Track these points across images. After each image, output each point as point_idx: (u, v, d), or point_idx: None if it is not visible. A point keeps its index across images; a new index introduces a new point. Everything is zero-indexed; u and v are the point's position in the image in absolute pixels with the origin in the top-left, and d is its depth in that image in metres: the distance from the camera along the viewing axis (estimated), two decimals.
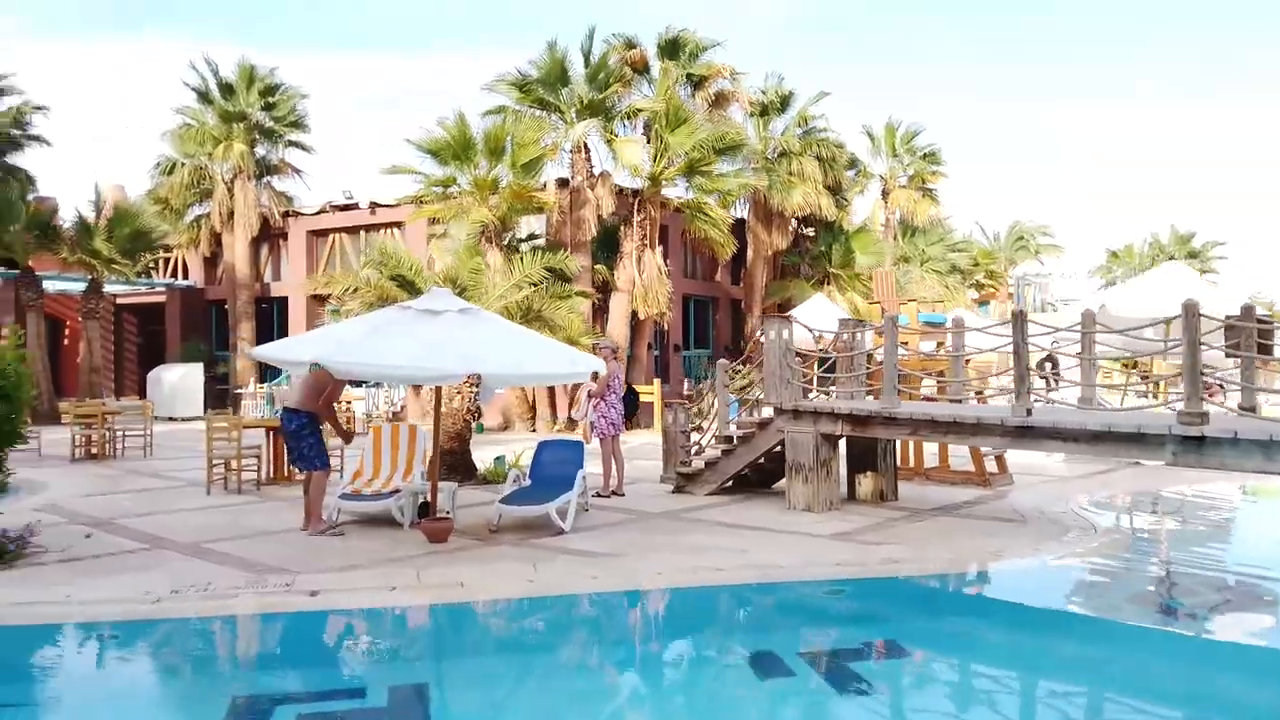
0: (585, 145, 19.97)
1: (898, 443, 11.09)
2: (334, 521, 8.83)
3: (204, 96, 25.39)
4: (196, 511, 9.94)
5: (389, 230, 25.36)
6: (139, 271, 24.19)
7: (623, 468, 11.19)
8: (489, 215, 16.71)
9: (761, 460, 10.72)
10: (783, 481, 11.20)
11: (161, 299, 28.97)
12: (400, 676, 5.79)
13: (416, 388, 21.16)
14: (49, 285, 24.13)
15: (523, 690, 5.60)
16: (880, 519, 9.34)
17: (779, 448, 10.26)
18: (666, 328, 22.77)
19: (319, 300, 26.83)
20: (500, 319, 9.07)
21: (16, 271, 22.79)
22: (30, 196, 24.48)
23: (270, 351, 8.66)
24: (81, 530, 8.66)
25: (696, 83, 22.33)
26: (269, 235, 27.05)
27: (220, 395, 26.39)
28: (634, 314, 20.96)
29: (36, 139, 35.23)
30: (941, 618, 7.04)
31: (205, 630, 6.26)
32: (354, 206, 25.51)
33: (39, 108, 34.43)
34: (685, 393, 21.51)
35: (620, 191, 20.74)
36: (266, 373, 27.38)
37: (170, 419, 23.68)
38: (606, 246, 21.19)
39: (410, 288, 11.55)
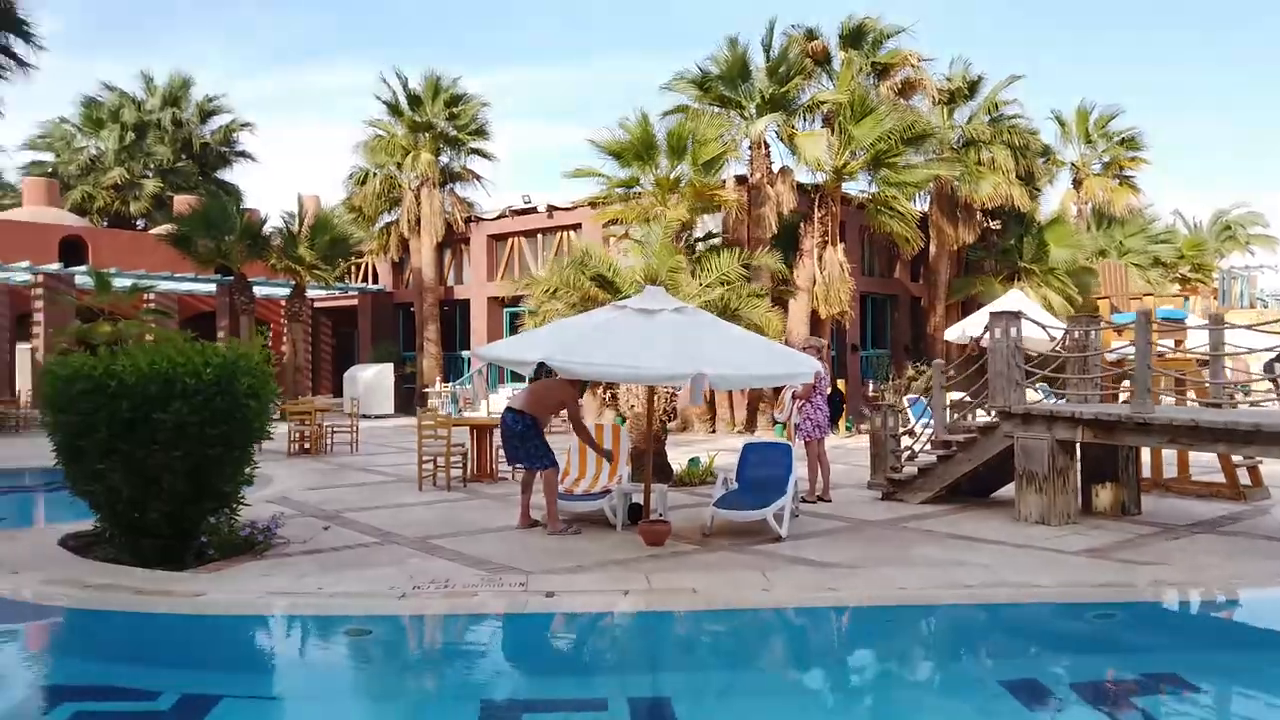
0: (765, 141, 19.57)
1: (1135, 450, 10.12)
2: (570, 522, 8.80)
3: (393, 109, 26.60)
4: (415, 507, 10.24)
5: (565, 233, 25.80)
6: (337, 276, 25.59)
7: (828, 472, 10.75)
8: (683, 214, 16.60)
9: (979, 467, 10.03)
10: (1004, 491, 10.49)
11: (354, 302, 30.63)
12: (642, 688, 5.63)
13: (595, 386, 21.34)
14: (256, 290, 25.95)
15: (769, 709, 5.31)
16: (1130, 535, 8.50)
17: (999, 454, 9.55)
18: (848, 326, 22.02)
19: (499, 302, 27.68)
20: (716, 318, 8.85)
21: (231, 277, 24.60)
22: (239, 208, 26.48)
23: (496, 351, 8.77)
24: (317, 523, 9.04)
25: (880, 71, 21.49)
26: (452, 240, 28.08)
27: (408, 394, 27.59)
28: (813, 313, 20.38)
29: (243, 155, 38.39)
30: (1231, 650, 6.25)
31: (449, 628, 6.32)
32: (532, 210, 26.10)
33: (245, 124, 37.59)
34: (870, 394, 20.75)
35: (800, 187, 20.22)
36: (450, 372, 28.49)
37: (364, 416, 24.97)
38: (784, 244, 20.70)
39: (610, 287, 11.53)
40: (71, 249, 27.19)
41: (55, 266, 23.29)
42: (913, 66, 21.71)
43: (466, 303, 28.52)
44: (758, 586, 6.70)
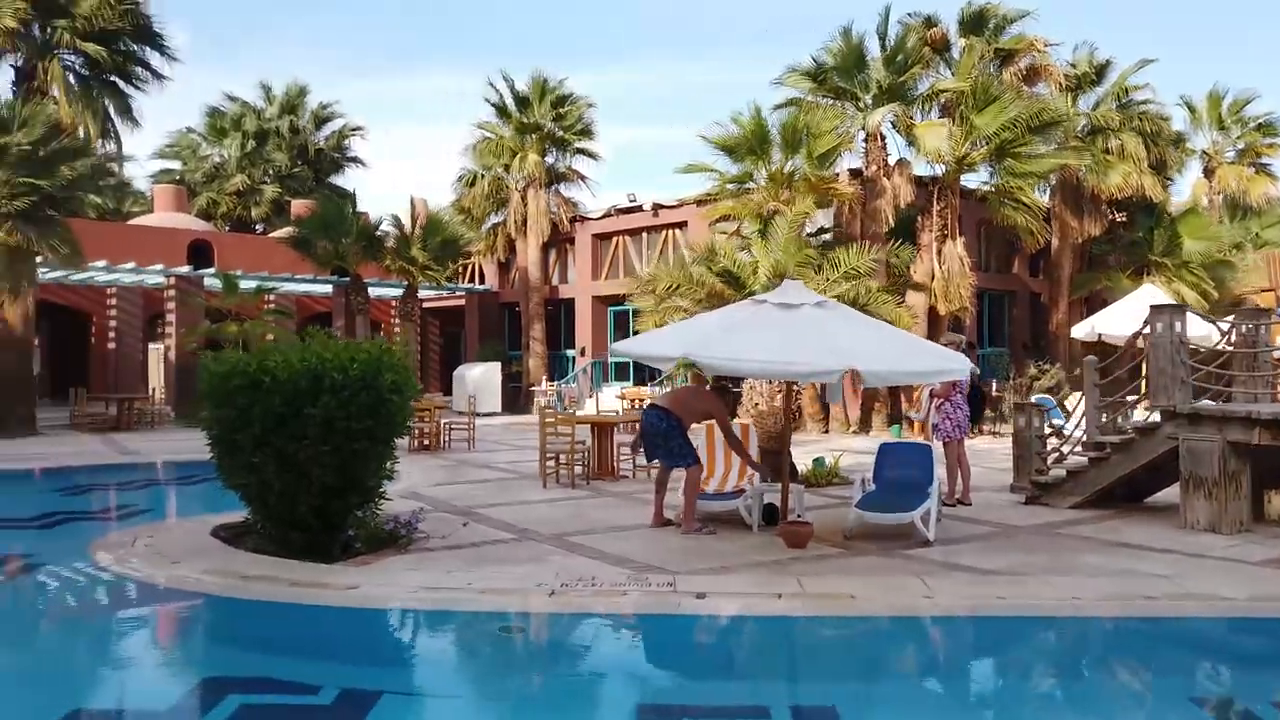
0: (880, 133, 19.02)
1: None
2: (705, 522, 8.64)
3: (501, 110, 26.95)
4: (541, 503, 10.22)
5: (671, 231, 25.68)
6: (448, 277, 26.04)
7: (968, 475, 10.28)
8: (810, 207, 16.23)
9: (1136, 470, 9.42)
10: (1161, 495, 9.85)
11: (460, 302, 31.17)
12: (805, 696, 5.40)
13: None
14: (370, 290, 26.66)
15: None
16: None
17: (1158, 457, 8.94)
18: (967, 323, 21.22)
19: (603, 301, 27.76)
20: (857, 313, 8.53)
21: (346, 279, 25.30)
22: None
23: (631, 348, 8.65)
24: (451, 517, 9.09)
25: (1003, 58, 20.65)
26: (557, 240, 28.31)
27: (513, 393, 27.91)
28: (930, 309, 19.70)
29: (354, 160, 39.56)
30: None
31: (601, 627, 6.20)
32: (637, 209, 26.07)
33: (356, 128, 38.73)
34: (994, 393, 19.95)
35: (918, 180, 19.57)
36: (555, 371, 28.71)
37: (474, 414, 25.36)
38: (900, 238, 20.09)
39: (736, 283, 11.30)
40: (199, 252, 28.44)
41: (186, 269, 24.37)
42: (1037, 52, 20.79)
43: (571, 302, 28.70)
44: (919, 593, 6.37)
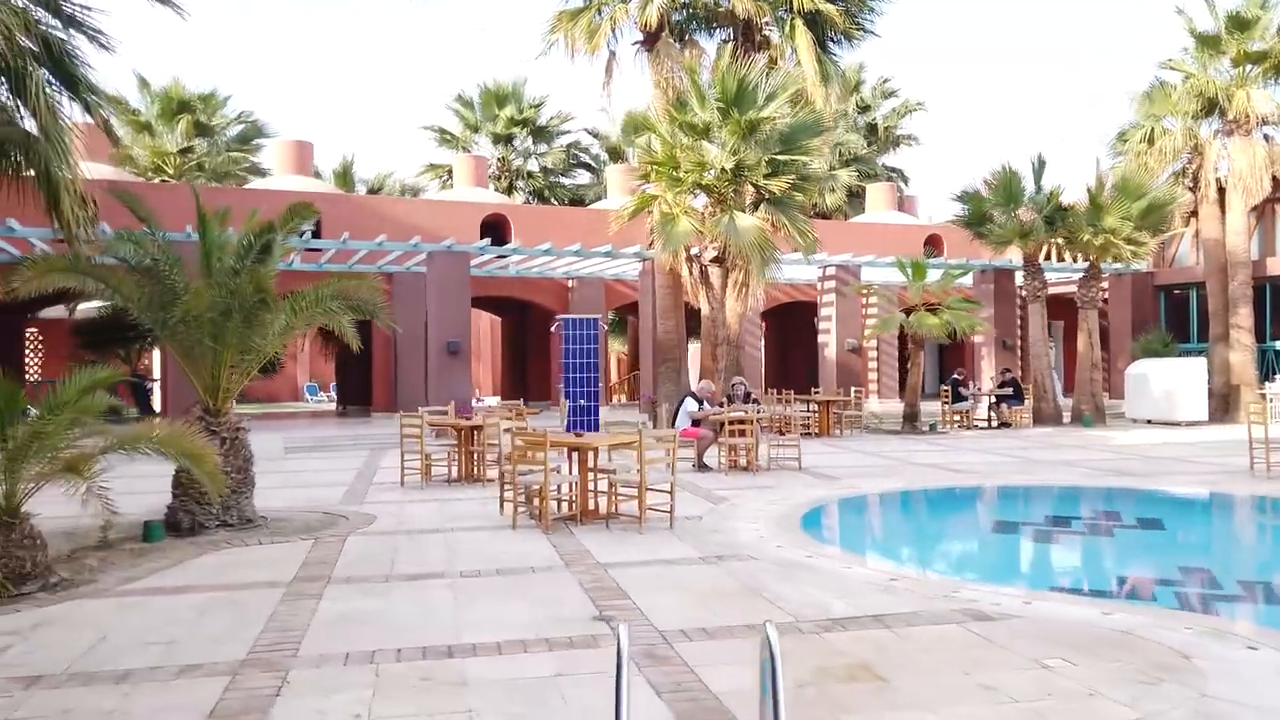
0: None
1: None
2: None
3: (1205, 42, 21.39)
4: None
5: None
6: (1149, 251, 21.11)
7: None
8: None
9: None
10: None
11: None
12: None
13: None
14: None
15: None
16: None
17: None
18: None
19: None
20: None
21: (1008, 261, 21.49)
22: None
23: None
24: None
25: None
26: (1263, 201, 22.12)
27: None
28: None
29: (909, 138, 36.20)
30: None
31: None
32: None
33: (918, 104, 35.28)
34: None
35: None
36: (1261, 368, 22.55)
37: (1165, 424, 20.27)
38: None
39: None
40: None
41: (845, 257, 22.13)
42: None
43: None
44: None
